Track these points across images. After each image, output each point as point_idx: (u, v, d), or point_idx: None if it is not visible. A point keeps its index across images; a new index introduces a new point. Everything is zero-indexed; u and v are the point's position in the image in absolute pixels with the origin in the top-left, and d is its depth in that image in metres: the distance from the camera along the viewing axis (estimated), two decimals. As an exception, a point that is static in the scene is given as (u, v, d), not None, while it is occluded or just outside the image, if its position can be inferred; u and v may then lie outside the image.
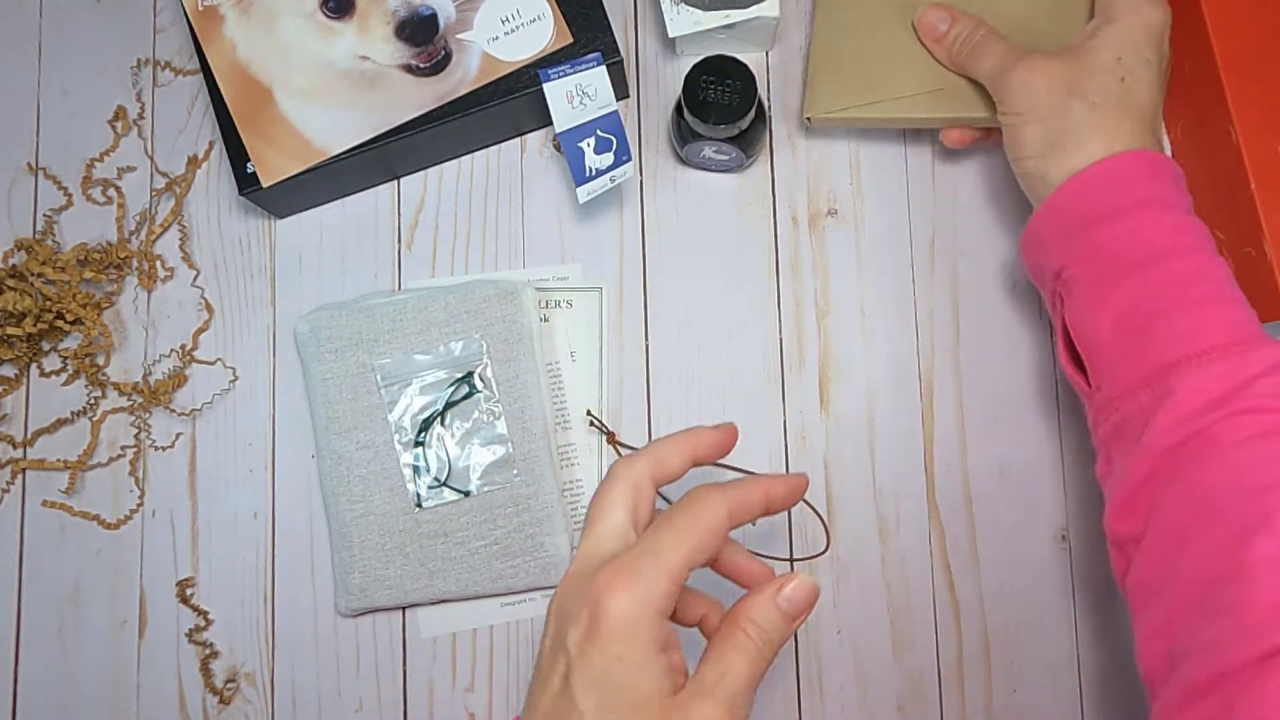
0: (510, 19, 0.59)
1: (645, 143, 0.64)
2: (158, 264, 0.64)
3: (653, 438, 0.61)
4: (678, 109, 0.59)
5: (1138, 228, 0.48)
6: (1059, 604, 0.59)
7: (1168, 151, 0.61)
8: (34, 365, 0.63)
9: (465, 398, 0.59)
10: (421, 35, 0.59)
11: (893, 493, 0.60)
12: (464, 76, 0.59)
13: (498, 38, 0.59)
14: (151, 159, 0.65)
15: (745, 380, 0.61)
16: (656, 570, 0.38)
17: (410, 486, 0.58)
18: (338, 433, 0.59)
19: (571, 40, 0.59)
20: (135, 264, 0.63)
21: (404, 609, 0.60)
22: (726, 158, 0.60)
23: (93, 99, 0.65)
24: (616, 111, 0.58)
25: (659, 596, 0.38)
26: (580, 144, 0.58)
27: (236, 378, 0.63)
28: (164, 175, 0.64)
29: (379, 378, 0.59)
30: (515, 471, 0.58)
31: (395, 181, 0.64)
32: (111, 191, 0.64)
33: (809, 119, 0.59)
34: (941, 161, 0.63)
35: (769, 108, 0.63)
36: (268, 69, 0.60)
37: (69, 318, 0.61)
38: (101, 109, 0.65)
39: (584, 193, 0.58)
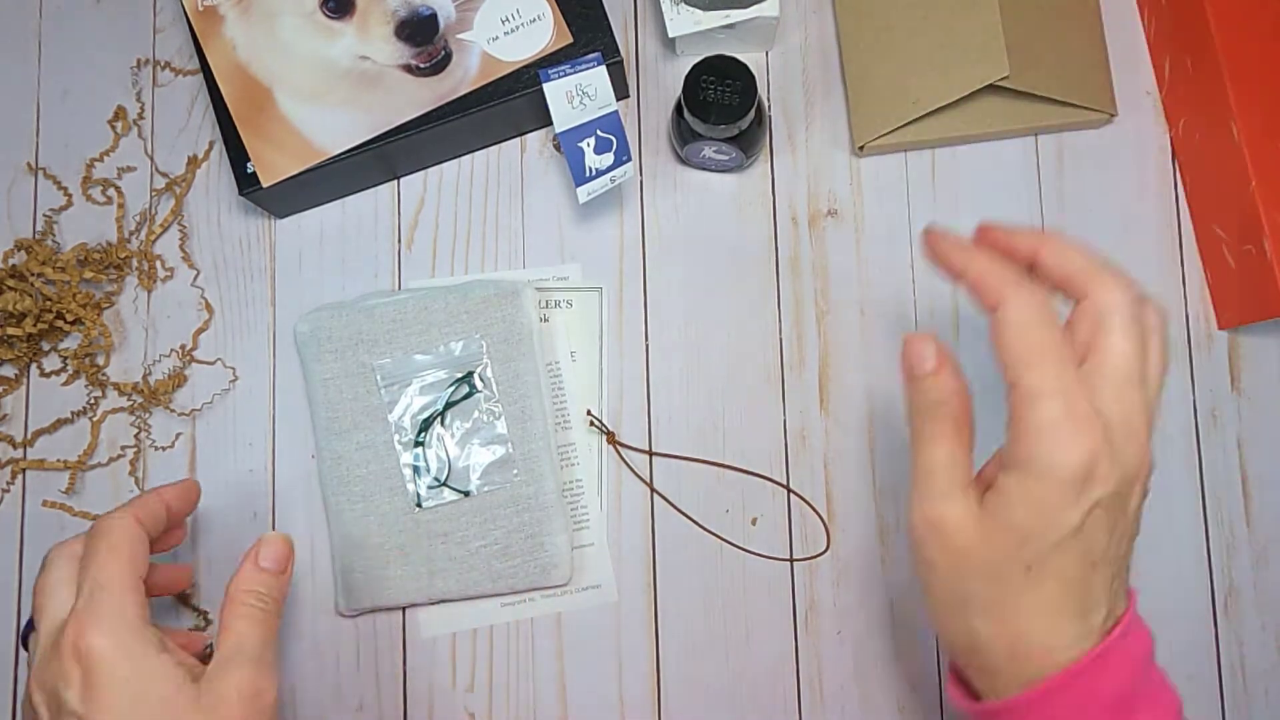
0: (510, 19, 0.59)
1: (645, 143, 0.64)
2: (158, 264, 0.64)
3: (653, 437, 0.61)
4: (678, 109, 0.59)
5: None
6: (1059, 604, 0.59)
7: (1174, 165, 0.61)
8: (34, 365, 0.63)
9: (465, 398, 0.59)
10: (421, 35, 0.59)
11: (893, 493, 0.60)
12: (464, 76, 0.59)
13: (498, 38, 0.59)
14: (151, 159, 0.65)
15: (745, 380, 0.61)
16: (108, 596, 0.42)
17: (410, 487, 0.58)
18: (337, 433, 0.59)
19: (571, 40, 0.59)
20: (135, 264, 0.63)
21: (404, 609, 0.60)
22: (726, 158, 0.60)
23: (93, 99, 0.65)
24: (616, 111, 0.58)
25: (126, 612, 0.42)
26: (580, 144, 0.58)
27: (236, 378, 0.63)
28: (164, 175, 0.65)
29: (379, 378, 0.59)
30: (515, 471, 0.58)
31: (395, 181, 0.64)
32: (111, 191, 0.64)
33: (861, 147, 0.60)
34: (941, 161, 0.63)
35: (769, 108, 0.63)
36: (268, 69, 0.60)
37: (69, 318, 0.61)
38: (101, 109, 0.65)
39: (584, 193, 0.58)
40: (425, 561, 0.58)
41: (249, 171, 0.59)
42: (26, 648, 0.46)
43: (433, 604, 0.59)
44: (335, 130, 0.59)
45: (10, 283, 0.61)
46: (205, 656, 0.47)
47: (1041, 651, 0.39)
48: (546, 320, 0.61)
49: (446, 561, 0.58)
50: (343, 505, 0.59)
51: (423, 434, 0.59)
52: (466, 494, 0.58)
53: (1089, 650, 0.39)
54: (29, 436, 0.62)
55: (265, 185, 0.59)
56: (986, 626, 0.40)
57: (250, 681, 0.43)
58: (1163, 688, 0.42)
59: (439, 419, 0.59)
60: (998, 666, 0.40)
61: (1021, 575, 0.39)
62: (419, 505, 0.58)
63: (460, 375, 0.59)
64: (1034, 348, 0.39)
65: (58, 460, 0.62)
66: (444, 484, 0.58)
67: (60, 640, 0.42)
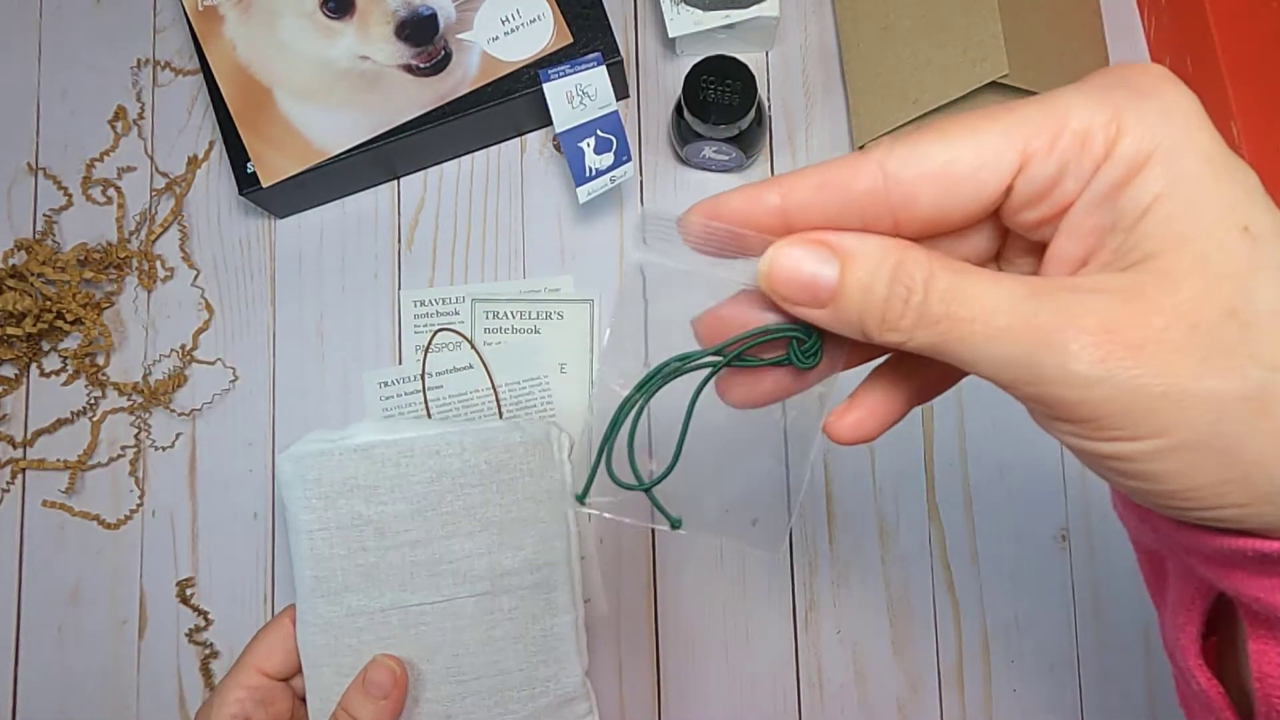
0: (510, 19, 0.59)
1: (645, 143, 0.64)
2: (158, 264, 0.64)
3: (652, 438, 0.61)
4: (678, 109, 0.59)
5: None
6: (1059, 604, 0.59)
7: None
8: (34, 365, 0.63)
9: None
10: (421, 35, 0.59)
11: (893, 493, 0.60)
12: (464, 76, 0.59)
13: (498, 38, 0.59)
14: (151, 159, 0.65)
15: (745, 380, 0.61)
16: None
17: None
18: (325, 595, 0.48)
19: (571, 40, 0.59)
20: (135, 264, 0.63)
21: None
22: (726, 158, 0.60)
23: (93, 99, 0.65)
24: (616, 111, 0.58)
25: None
26: (580, 144, 0.58)
27: (236, 378, 0.63)
28: (164, 175, 0.64)
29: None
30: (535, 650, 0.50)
31: (395, 181, 0.64)
32: (111, 191, 0.64)
33: (861, 147, 0.60)
34: (942, 161, 0.63)
35: (769, 108, 0.63)
36: (268, 69, 0.60)
37: (69, 318, 0.61)
38: (101, 109, 0.65)
39: (584, 193, 0.58)
40: None
41: (249, 171, 0.59)
42: None
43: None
44: (335, 130, 0.59)
45: (10, 283, 0.61)
46: None
47: None
48: (571, 459, 0.51)
49: None
50: (327, 679, 0.48)
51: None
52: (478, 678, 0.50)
53: None
54: (29, 436, 0.62)
55: (265, 185, 0.59)
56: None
57: None
58: None
59: None
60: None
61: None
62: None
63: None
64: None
65: (58, 460, 0.62)
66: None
67: None
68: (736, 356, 0.28)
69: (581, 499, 0.32)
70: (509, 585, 0.49)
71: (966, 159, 0.24)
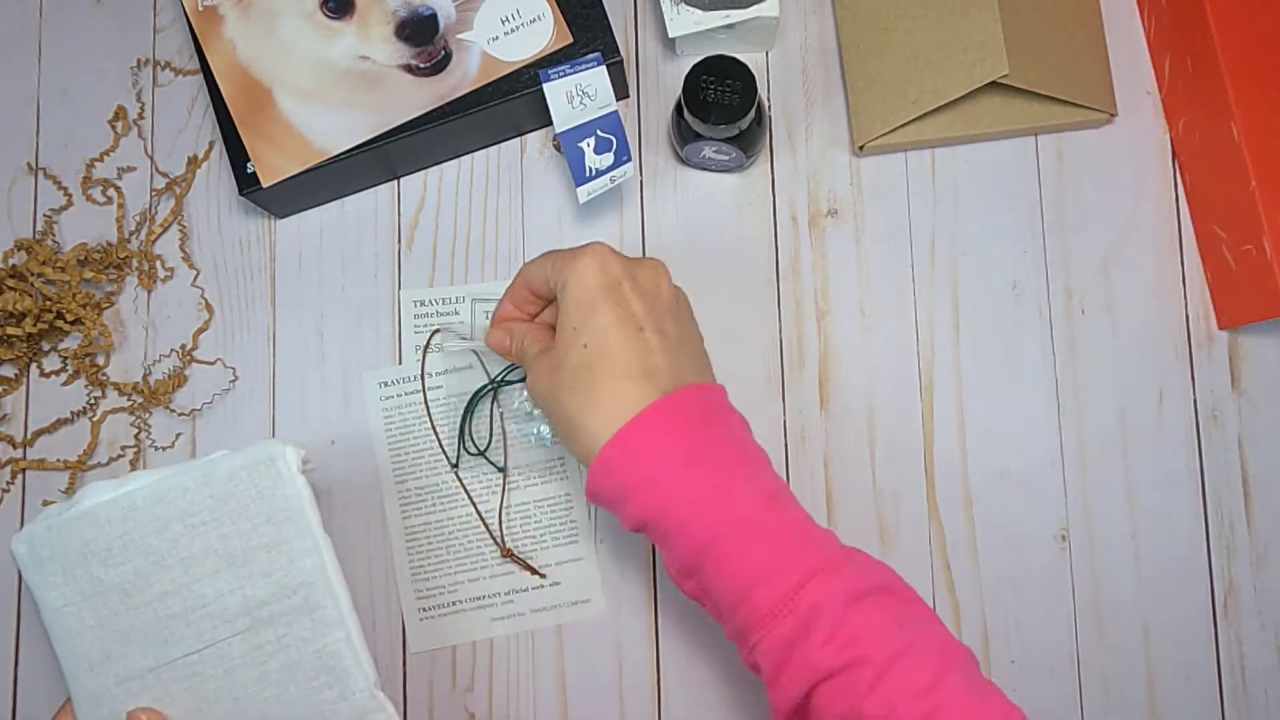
0: (510, 19, 0.59)
1: (645, 143, 0.64)
2: (158, 264, 0.64)
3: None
4: (678, 109, 0.59)
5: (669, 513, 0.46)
6: (1059, 604, 0.59)
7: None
8: (34, 365, 0.63)
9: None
10: (421, 35, 0.59)
11: (893, 493, 0.60)
12: (464, 76, 0.59)
13: (498, 38, 0.59)
14: (151, 159, 0.65)
15: (745, 380, 0.61)
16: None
17: None
18: (88, 669, 0.48)
19: (571, 40, 0.59)
20: (135, 264, 0.63)
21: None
22: (726, 158, 0.60)
23: (93, 99, 0.65)
24: (616, 111, 0.58)
25: None
26: (580, 144, 0.58)
27: (236, 378, 0.63)
28: (164, 175, 0.65)
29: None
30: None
31: (395, 181, 0.64)
32: (111, 191, 0.64)
33: (861, 147, 0.60)
34: (941, 161, 0.63)
35: (769, 108, 0.63)
36: (268, 69, 0.60)
37: (69, 318, 0.61)
38: (101, 109, 0.65)
39: (584, 193, 0.58)
40: None
41: (249, 171, 0.59)
42: None
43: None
44: (335, 130, 0.59)
45: (10, 283, 0.61)
46: None
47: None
48: (312, 474, 0.51)
49: None
50: None
51: None
52: None
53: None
54: (29, 436, 0.62)
55: (265, 185, 0.59)
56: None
57: None
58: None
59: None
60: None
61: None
62: None
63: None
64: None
65: (58, 460, 0.62)
66: None
67: None
68: (503, 380, 0.60)
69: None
70: (268, 615, 0.48)
71: (531, 270, 0.53)
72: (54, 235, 0.64)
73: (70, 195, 0.64)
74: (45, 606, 0.48)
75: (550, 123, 0.58)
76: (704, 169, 0.63)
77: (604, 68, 0.58)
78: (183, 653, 0.48)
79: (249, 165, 0.59)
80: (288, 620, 0.48)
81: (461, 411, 0.60)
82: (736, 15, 0.58)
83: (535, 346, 0.52)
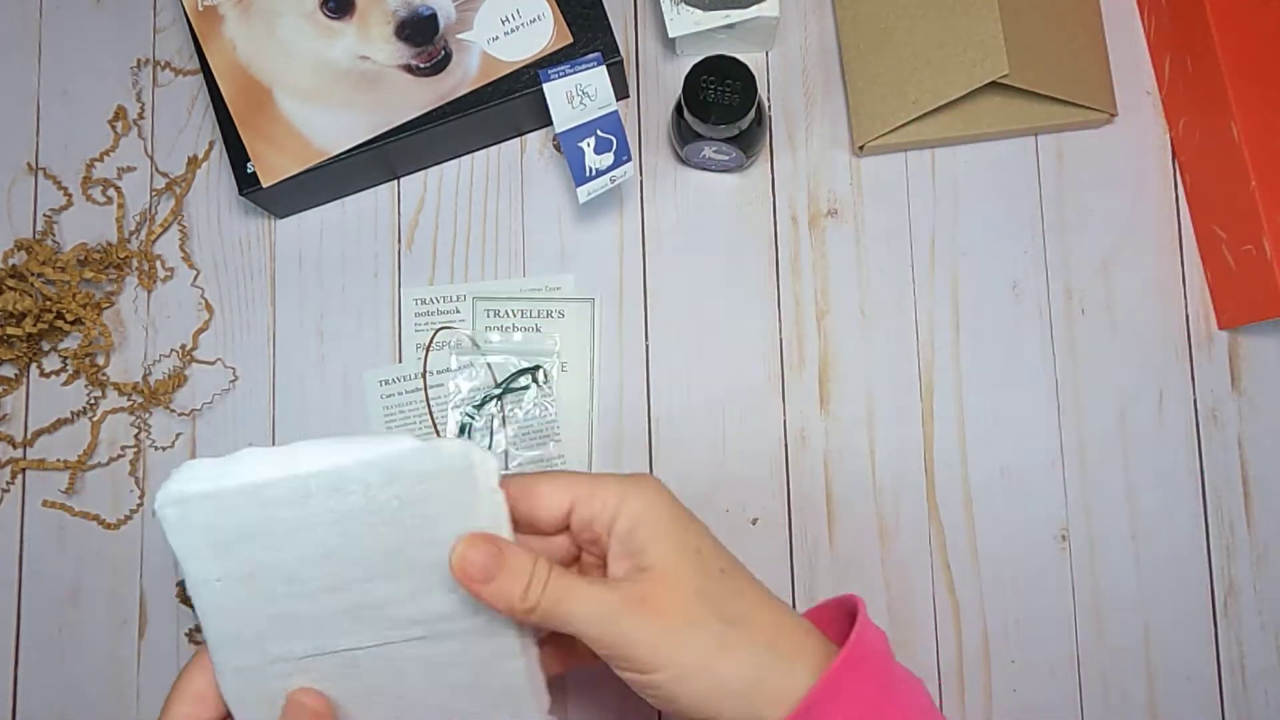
0: (510, 19, 0.59)
1: (645, 143, 0.64)
2: (158, 264, 0.64)
3: (653, 438, 0.61)
4: (678, 109, 0.59)
5: None
6: (1059, 604, 0.59)
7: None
8: (34, 365, 0.63)
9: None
10: (421, 35, 0.59)
11: (893, 493, 0.60)
12: (464, 76, 0.59)
13: (498, 38, 0.59)
14: (151, 159, 0.65)
15: (745, 380, 0.61)
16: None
17: None
18: (239, 645, 0.44)
19: (571, 40, 0.59)
20: (135, 264, 0.63)
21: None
22: (726, 158, 0.60)
23: (93, 99, 0.65)
24: (616, 111, 0.58)
25: None
26: (580, 144, 0.58)
27: (236, 378, 0.63)
28: (164, 175, 0.65)
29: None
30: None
31: (395, 181, 0.64)
32: (111, 191, 0.64)
33: (861, 147, 0.61)
34: (941, 161, 0.63)
35: (769, 108, 0.63)
36: (268, 69, 0.60)
37: (69, 318, 0.61)
38: (101, 109, 0.65)
39: (584, 193, 0.58)
40: None
41: (249, 171, 0.59)
42: None
43: None
44: (335, 130, 0.59)
45: (10, 283, 0.61)
46: None
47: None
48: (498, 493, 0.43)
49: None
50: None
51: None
52: None
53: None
54: (29, 436, 0.62)
55: (265, 185, 0.59)
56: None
57: None
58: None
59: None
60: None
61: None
62: None
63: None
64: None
65: (58, 460, 0.62)
66: None
67: None
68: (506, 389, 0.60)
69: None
70: (447, 630, 0.44)
71: (542, 491, 0.42)
72: (54, 235, 0.64)
73: (70, 195, 0.64)
74: (192, 576, 0.43)
75: (550, 123, 0.58)
76: (704, 169, 0.63)
77: (604, 68, 0.58)
78: (349, 645, 0.44)
79: (249, 165, 0.59)
80: (466, 640, 0.44)
81: (462, 415, 0.60)
82: (736, 15, 0.58)
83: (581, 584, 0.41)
